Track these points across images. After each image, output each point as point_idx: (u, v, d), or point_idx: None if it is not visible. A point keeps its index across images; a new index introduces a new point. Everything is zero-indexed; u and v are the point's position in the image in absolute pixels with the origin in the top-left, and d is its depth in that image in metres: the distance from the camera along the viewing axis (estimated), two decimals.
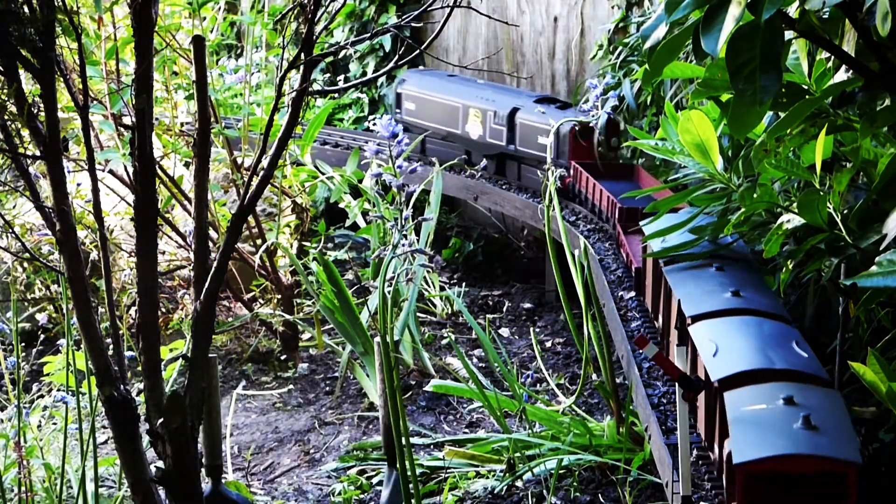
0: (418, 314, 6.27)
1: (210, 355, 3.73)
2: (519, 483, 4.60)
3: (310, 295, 6.20)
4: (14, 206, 6.03)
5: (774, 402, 2.96)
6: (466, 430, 5.34)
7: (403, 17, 3.97)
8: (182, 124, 6.12)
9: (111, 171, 5.58)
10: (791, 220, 3.39)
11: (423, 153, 7.10)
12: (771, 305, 3.50)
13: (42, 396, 4.84)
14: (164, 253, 6.42)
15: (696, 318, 3.50)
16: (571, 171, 6.06)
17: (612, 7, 6.73)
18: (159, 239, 4.61)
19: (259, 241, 6.24)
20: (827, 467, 2.76)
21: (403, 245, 3.99)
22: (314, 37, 3.53)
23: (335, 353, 6.23)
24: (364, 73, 8.66)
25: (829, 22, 2.72)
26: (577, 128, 6.01)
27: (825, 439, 2.82)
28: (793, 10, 2.66)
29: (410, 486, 4.05)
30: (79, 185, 5.70)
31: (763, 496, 2.80)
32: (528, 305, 6.99)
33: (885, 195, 2.95)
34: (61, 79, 3.40)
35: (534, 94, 6.98)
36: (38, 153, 3.40)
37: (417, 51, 3.78)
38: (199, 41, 3.59)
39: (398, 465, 4.09)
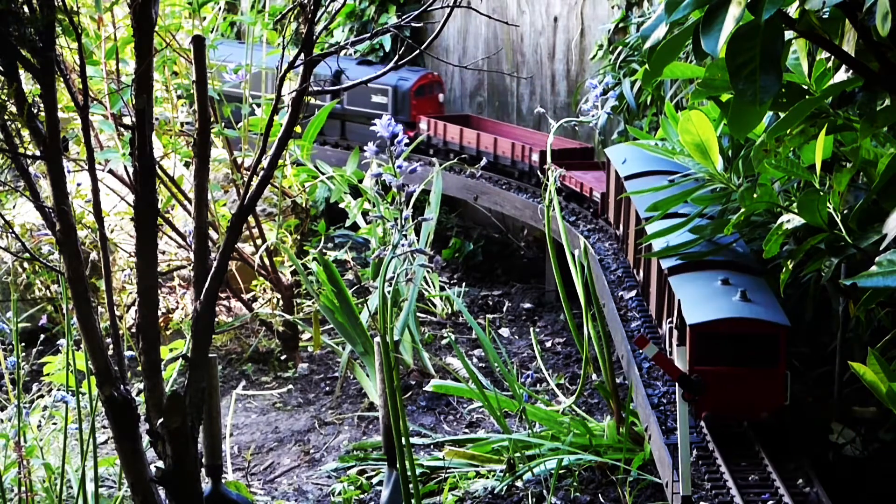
0: (418, 314, 6.27)
1: (210, 355, 3.73)
2: (519, 483, 4.60)
3: (310, 295, 6.20)
4: (14, 206, 6.03)
5: (713, 283, 3.64)
6: (466, 430, 5.34)
7: (403, 17, 3.97)
8: (182, 124, 6.12)
9: (111, 171, 5.58)
10: (791, 220, 3.39)
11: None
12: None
13: (42, 396, 4.84)
14: (164, 253, 6.42)
15: (650, 220, 4.18)
16: (426, 125, 7.13)
17: (612, 7, 6.73)
18: (159, 239, 4.61)
19: (259, 241, 6.24)
20: (762, 329, 3.43)
21: (403, 245, 3.99)
22: (314, 37, 3.53)
23: (335, 353, 6.23)
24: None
25: (829, 22, 2.72)
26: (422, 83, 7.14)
27: (760, 308, 3.50)
28: (793, 10, 2.66)
29: (410, 486, 4.05)
30: (79, 185, 5.70)
31: (710, 352, 3.44)
32: (528, 305, 6.99)
33: (885, 195, 2.95)
34: (61, 79, 3.40)
35: (353, 58, 7.45)
36: (38, 153, 3.40)
37: (417, 51, 3.78)
38: (199, 41, 3.59)
39: (398, 465, 4.09)
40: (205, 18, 6.00)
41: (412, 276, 4.17)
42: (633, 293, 4.69)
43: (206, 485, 4.05)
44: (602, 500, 4.50)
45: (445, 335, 6.37)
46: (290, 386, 5.99)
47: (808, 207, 3.26)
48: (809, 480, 3.37)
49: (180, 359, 4.50)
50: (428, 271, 6.75)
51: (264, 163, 3.63)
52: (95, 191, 3.56)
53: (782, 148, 3.15)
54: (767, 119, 3.31)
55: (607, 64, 6.42)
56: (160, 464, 3.61)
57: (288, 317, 6.17)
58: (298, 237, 6.66)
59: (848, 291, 3.61)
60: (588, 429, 4.77)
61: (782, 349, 3.44)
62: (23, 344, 4.37)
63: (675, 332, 3.73)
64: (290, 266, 6.23)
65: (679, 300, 3.63)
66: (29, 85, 3.43)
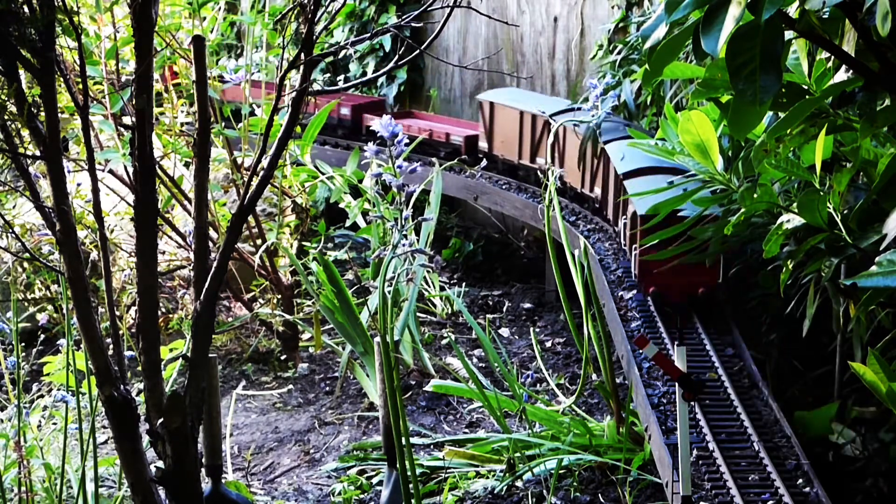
0: (418, 314, 6.27)
1: (210, 355, 3.73)
2: (519, 483, 4.60)
3: (310, 295, 6.20)
4: (14, 206, 6.03)
5: (660, 183, 4.18)
6: (466, 430, 5.34)
7: (403, 17, 3.97)
8: (182, 124, 6.12)
9: (111, 171, 5.58)
10: (791, 220, 3.39)
11: None
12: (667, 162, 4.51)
13: (42, 396, 4.84)
14: (164, 253, 6.42)
15: (607, 142, 5.08)
16: None
17: (612, 7, 6.73)
18: (159, 239, 4.61)
19: (259, 241, 6.24)
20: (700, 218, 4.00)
21: (403, 245, 3.99)
22: (314, 37, 3.53)
23: (335, 353, 6.23)
24: (364, 73, 8.66)
25: (829, 22, 2.72)
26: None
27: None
28: (793, 10, 2.65)
29: (410, 486, 4.05)
30: (79, 185, 5.70)
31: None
32: (528, 305, 6.98)
33: (885, 195, 2.94)
34: (61, 79, 3.39)
35: None
36: (38, 153, 3.40)
37: (417, 51, 3.78)
38: (199, 41, 3.59)
39: (398, 465, 4.09)
40: (205, 18, 6.00)
41: (412, 276, 4.18)
42: (633, 293, 4.68)
43: (206, 485, 4.05)
44: (602, 500, 4.50)
45: (445, 335, 6.37)
46: (290, 386, 5.99)
47: (808, 207, 3.26)
48: (809, 480, 3.37)
49: (180, 359, 4.49)
50: (428, 271, 6.75)
51: (264, 163, 3.63)
52: (95, 191, 3.56)
53: (782, 148, 3.15)
54: (767, 119, 3.31)
55: (607, 61, 6.42)
56: (160, 464, 3.61)
57: (288, 317, 6.17)
58: (298, 237, 6.65)
59: (848, 291, 3.61)
60: (588, 429, 4.77)
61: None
62: (23, 344, 4.38)
63: (628, 225, 4.54)
64: (290, 266, 6.23)
65: (632, 197, 4.40)
66: (29, 85, 3.43)
